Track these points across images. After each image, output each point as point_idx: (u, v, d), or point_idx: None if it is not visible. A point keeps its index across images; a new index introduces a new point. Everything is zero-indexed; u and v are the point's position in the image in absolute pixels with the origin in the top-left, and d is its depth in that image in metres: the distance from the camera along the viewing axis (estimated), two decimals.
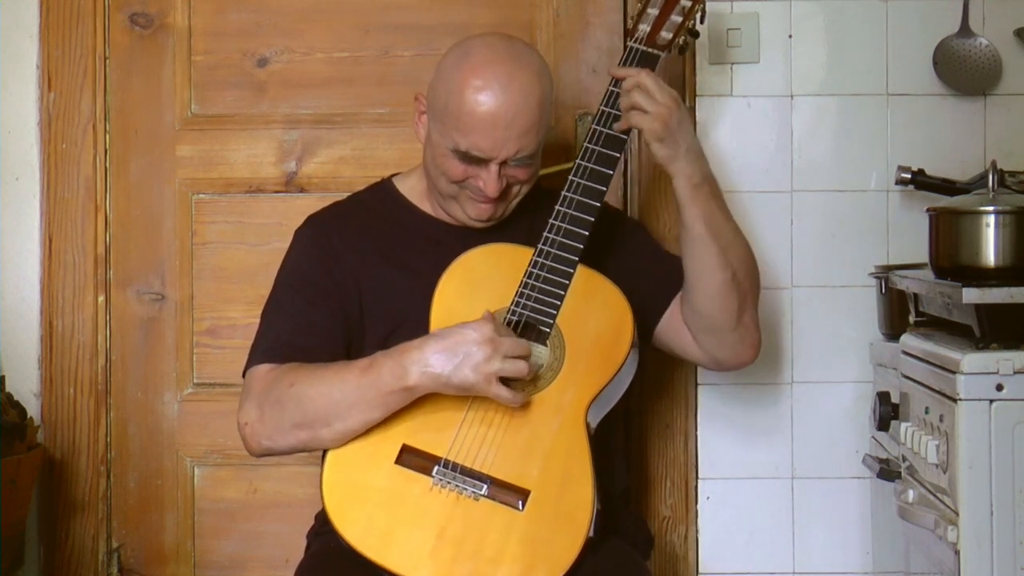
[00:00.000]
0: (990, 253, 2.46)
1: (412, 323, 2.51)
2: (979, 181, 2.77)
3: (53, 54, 3.10)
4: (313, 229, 2.68)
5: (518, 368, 2.40)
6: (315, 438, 2.47)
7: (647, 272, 2.64)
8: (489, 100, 2.50)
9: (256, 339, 2.61)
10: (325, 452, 2.48)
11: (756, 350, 2.64)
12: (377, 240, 2.64)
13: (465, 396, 2.43)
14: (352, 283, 2.60)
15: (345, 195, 2.77)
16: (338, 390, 2.44)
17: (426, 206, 2.68)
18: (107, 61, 3.13)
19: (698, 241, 2.53)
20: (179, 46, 3.13)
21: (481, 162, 2.53)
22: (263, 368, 2.54)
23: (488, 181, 2.53)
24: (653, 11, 2.59)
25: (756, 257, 3.02)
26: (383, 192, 2.72)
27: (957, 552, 2.32)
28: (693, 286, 2.58)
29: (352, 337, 2.59)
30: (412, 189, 2.70)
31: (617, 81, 2.55)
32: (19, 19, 3.11)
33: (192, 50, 3.13)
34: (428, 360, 2.39)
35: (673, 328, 2.66)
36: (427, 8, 3.11)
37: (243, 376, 2.59)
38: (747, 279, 2.59)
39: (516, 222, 2.64)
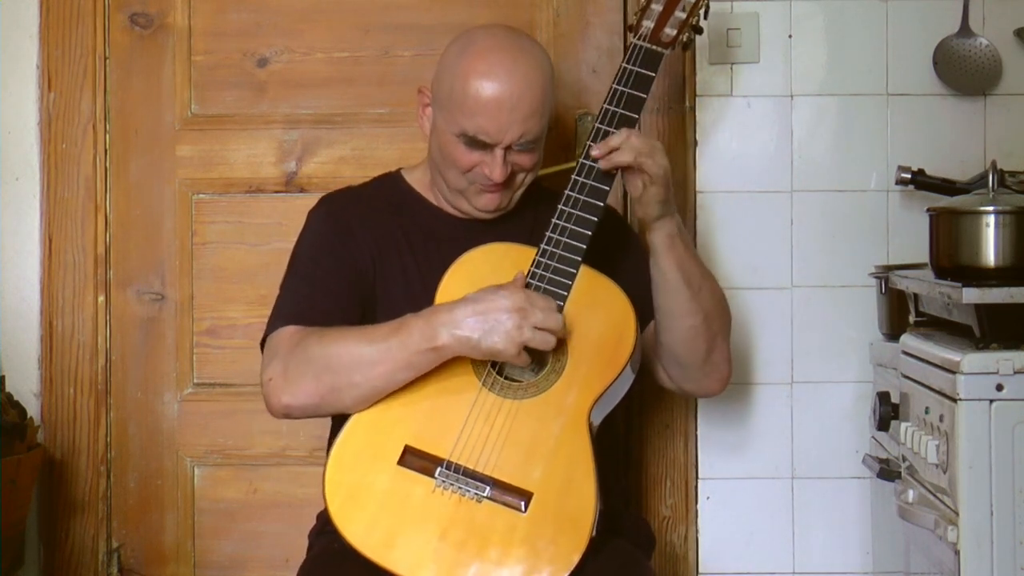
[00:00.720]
0: (990, 253, 2.46)
1: (413, 307, 2.52)
2: (979, 181, 2.77)
3: (53, 54, 3.10)
4: (329, 206, 2.70)
5: (546, 340, 2.41)
6: (338, 397, 2.46)
7: (636, 290, 2.62)
8: (494, 84, 2.52)
9: (276, 306, 2.61)
10: (328, 453, 2.48)
11: (723, 384, 2.68)
12: (386, 223, 2.66)
13: (471, 391, 2.44)
14: (367, 256, 2.62)
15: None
16: (366, 348, 2.45)
17: (431, 198, 2.70)
18: (107, 61, 3.13)
19: (672, 288, 2.55)
20: (179, 46, 3.13)
21: (487, 147, 2.54)
22: (289, 329, 2.54)
23: (494, 166, 2.55)
24: (657, 7, 2.58)
25: (756, 257, 3.03)
26: (391, 182, 2.75)
27: (957, 552, 2.32)
28: (665, 328, 2.60)
29: (367, 306, 2.61)
30: (418, 181, 2.72)
31: (621, 80, 2.55)
32: (19, 19, 3.11)
33: (192, 50, 3.13)
34: (459, 323, 2.40)
35: (647, 349, 2.67)
36: (427, 8, 3.11)
37: (260, 345, 2.59)
38: (717, 320, 2.61)
39: (520, 216, 2.65)
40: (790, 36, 3.05)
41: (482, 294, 2.42)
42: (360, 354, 2.44)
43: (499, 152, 2.55)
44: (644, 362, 2.67)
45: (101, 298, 3.12)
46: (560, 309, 2.47)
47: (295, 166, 3.13)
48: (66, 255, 3.11)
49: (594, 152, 2.50)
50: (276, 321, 2.58)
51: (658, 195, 2.49)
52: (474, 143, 2.54)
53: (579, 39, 3.11)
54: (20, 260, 3.12)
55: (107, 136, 3.13)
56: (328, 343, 2.47)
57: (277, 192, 3.13)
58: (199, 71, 3.13)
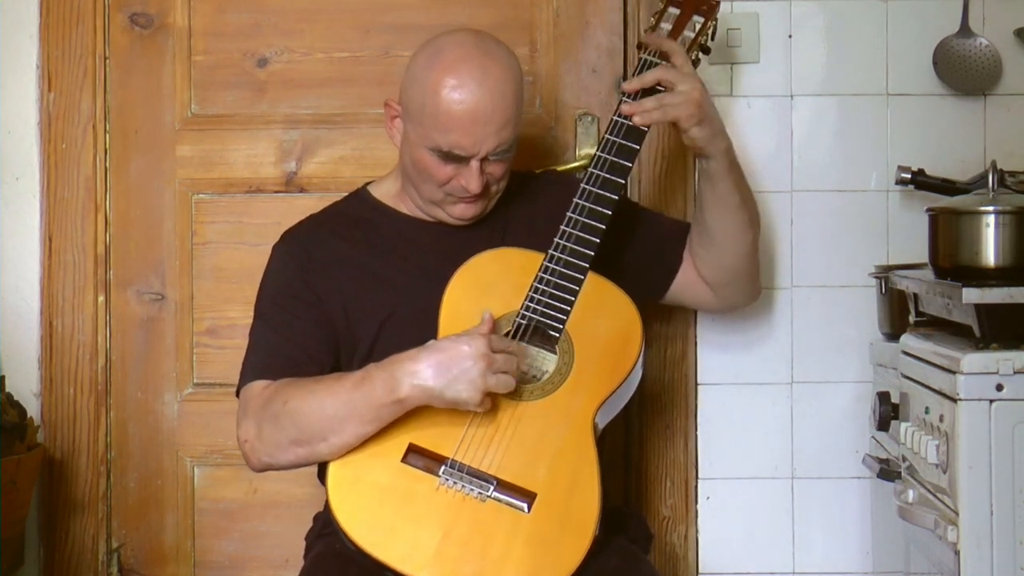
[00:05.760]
0: (990, 253, 2.46)
1: (399, 320, 2.54)
2: (979, 181, 2.77)
3: (53, 54, 3.10)
4: (290, 244, 2.68)
5: (506, 383, 2.40)
6: (313, 453, 2.48)
7: (651, 236, 2.72)
8: (466, 98, 2.51)
9: (247, 357, 2.61)
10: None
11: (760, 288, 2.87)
12: (355, 244, 2.65)
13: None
14: (335, 291, 2.61)
15: (343, 195, 2.78)
16: (331, 405, 2.44)
17: (402, 207, 2.69)
18: (107, 61, 3.13)
19: (733, 208, 2.65)
20: (179, 46, 3.13)
21: (462, 160, 2.54)
22: (258, 385, 2.55)
23: (471, 179, 2.55)
24: (666, 26, 2.66)
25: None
26: (357, 199, 2.74)
27: (957, 552, 2.32)
28: (727, 249, 2.69)
29: (341, 344, 2.60)
30: (386, 193, 2.71)
31: (641, 67, 2.60)
32: (19, 19, 3.11)
33: (192, 50, 3.13)
34: (421, 373, 2.39)
35: (688, 283, 2.75)
36: (427, 8, 3.11)
37: (236, 394, 2.60)
38: (759, 227, 2.77)
39: (493, 216, 2.66)
40: (790, 36, 3.06)
41: (443, 343, 2.40)
42: (327, 414, 2.43)
43: (475, 164, 2.54)
44: (688, 298, 2.78)
45: (101, 298, 3.12)
46: (567, 314, 2.48)
47: (295, 166, 3.13)
48: (66, 255, 3.11)
49: (649, 40, 2.62)
50: (246, 374, 2.59)
51: (692, 117, 2.55)
52: (449, 157, 2.54)
53: (579, 39, 3.11)
54: (20, 260, 3.12)
55: (107, 136, 3.13)
56: (295, 402, 2.47)
57: (277, 192, 3.13)
58: (199, 71, 3.13)
